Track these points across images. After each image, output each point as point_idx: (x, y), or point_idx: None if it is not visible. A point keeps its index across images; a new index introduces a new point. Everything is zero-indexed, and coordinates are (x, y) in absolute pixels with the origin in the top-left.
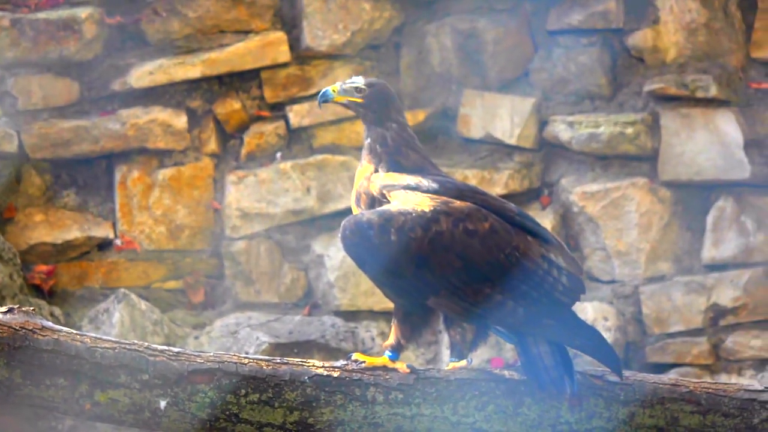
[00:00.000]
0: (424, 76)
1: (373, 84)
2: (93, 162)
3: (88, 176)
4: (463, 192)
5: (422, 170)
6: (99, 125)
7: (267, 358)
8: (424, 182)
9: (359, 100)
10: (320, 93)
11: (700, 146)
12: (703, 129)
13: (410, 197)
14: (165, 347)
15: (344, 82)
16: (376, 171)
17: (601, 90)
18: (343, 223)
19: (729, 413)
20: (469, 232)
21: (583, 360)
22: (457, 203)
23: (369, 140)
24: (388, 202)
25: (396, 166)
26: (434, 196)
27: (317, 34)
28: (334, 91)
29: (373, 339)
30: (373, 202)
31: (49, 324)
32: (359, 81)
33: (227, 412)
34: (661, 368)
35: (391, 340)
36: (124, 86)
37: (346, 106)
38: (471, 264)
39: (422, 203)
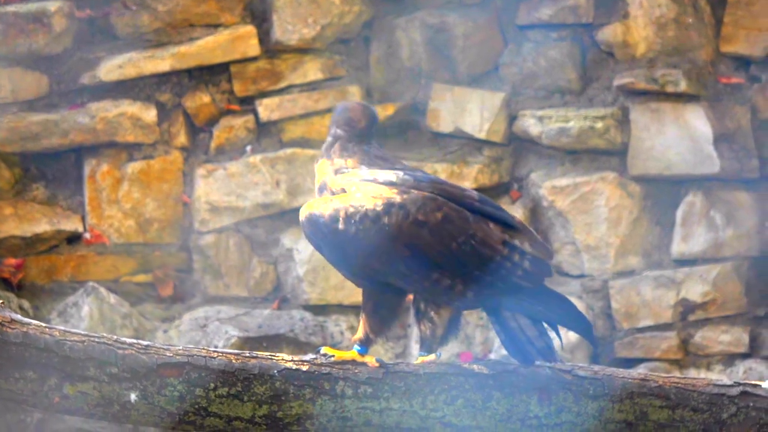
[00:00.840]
0: (393, 71)
1: (337, 106)
2: (62, 155)
3: (57, 170)
4: (420, 182)
5: (383, 163)
6: (68, 119)
7: (236, 351)
8: (381, 174)
9: None
10: None
11: (670, 141)
12: (672, 123)
13: (366, 189)
14: (134, 341)
15: None
16: (334, 165)
17: (570, 84)
18: (300, 209)
19: (698, 408)
20: (419, 223)
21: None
22: (411, 194)
23: (329, 138)
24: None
25: (356, 160)
26: (389, 188)
27: (287, 28)
28: None
29: (342, 333)
30: (333, 195)
31: (18, 317)
32: None
33: (196, 406)
34: (630, 363)
35: (360, 333)
36: (93, 80)
37: None
38: (419, 253)
39: (375, 194)
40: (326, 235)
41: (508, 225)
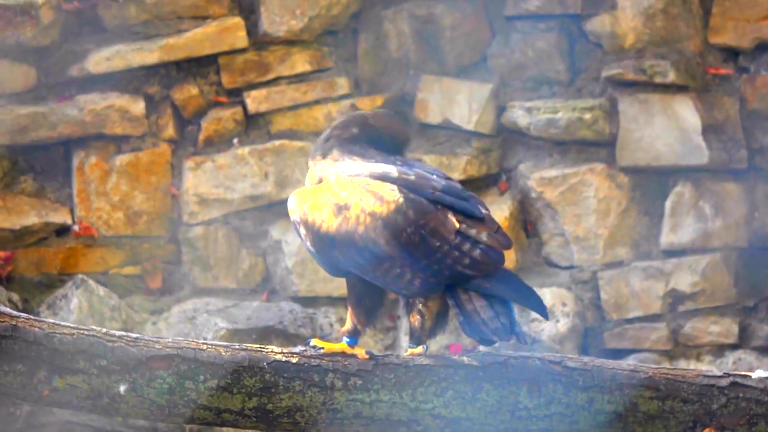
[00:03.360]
0: (381, 62)
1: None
2: (50, 148)
3: (45, 162)
4: (388, 175)
5: (362, 155)
6: (56, 111)
7: (225, 344)
8: (352, 167)
9: None
10: None
11: (658, 132)
12: (661, 114)
13: (335, 181)
14: (123, 333)
15: None
16: (319, 160)
17: (559, 76)
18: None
19: (688, 399)
20: (373, 215)
21: (540, 346)
22: (373, 185)
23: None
24: None
25: (337, 156)
26: (360, 181)
27: (275, 20)
28: None
29: (331, 325)
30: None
31: (7, 310)
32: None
33: (186, 398)
34: (620, 354)
35: (348, 325)
36: (81, 72)
37: None
38: (373, 244)
39: (339, 187)
40: (298, 225)
41: (468, 215)
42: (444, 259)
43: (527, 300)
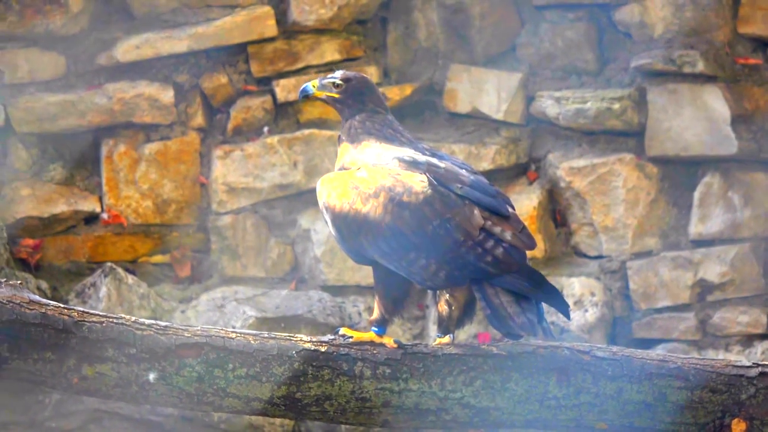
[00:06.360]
0: (410, 51)
1: (349, 79)
2: (79, 136)
3: (74, 150)
4: (417, 163)
5: (393, 140)
6: (85, 99)
7: (254, 332)
8: (384, 155)
9: (336, 95)
10: (301, 89)
11: (687, 122)
12: (690, 104)
13: (365, 169)
14: (152, 321)
15: (323, 78)
16: (349, 147)
17: (587, 65)
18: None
19: (717, 389)
20: (402, 204)
21: (569, 335)
22: (401, 176)
23: (345, 125)
24: None
25: (366, 142)
26: (387, 169)
27: (304, 9)
28: (313, 86)
29: (360, 314)
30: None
31: (37, 298)
32: (336, 76)
33: (215, 387)
34: (648, 344)
35: (376, 314)
36: (110, 60)
37: (324, 101)
38: (399, 233)
39: (370, 176)
40: (325, 211)
41: (494, 212)
42: (467, 254)
43: (550, 299)
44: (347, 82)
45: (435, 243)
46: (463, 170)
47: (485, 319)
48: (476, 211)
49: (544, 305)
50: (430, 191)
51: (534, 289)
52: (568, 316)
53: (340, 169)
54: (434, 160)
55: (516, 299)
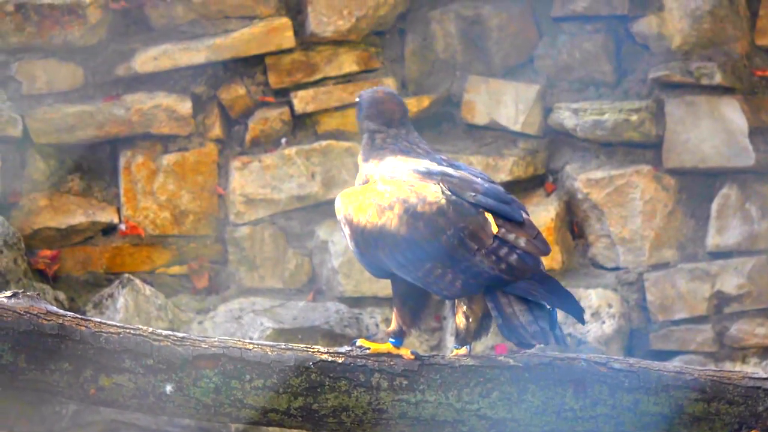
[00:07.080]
0: (428, 63)
1: (361, 95)
2: (97, 147)
3: (92, 161)
4: (432, 174)
5: (410, 153)
6: (103, 110)
7: (272, 343)
8: (400, 167)
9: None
10: None
11: (705, 134)
12: (707, 116)
13: (384, 181)
14: (169, 332)
15: None
16: (366, 160)
17: (605, 77)
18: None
19: (733, 401)
20: (416, 215)
21: (586, 347)
22: (416, 187)
23: (365, 137)
24: None
25: (383, 156)
26: (402, 181)
27: (322, 20)
28: None
29: (377, 325)
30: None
31: (54, 309)
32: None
33: (232, 398)
34: (665, 355)
35: (393, 326)
36: (128, 71)
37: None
38: (414, 243)
39: (386, 188)
40: (343, 225)
41: (508, 218)
42: (482, 262)
43: (564, 304)
44: (360, 98)
45: (449, 252)
46: (478, 179)
47: (497, 329)
48: (490, 219)
49: (560, 315)
50: (443, 201)
51: (548, 294)
52: (582, 320)
53: (360, 184)
54: (449, 170)
55: (529, 308)
